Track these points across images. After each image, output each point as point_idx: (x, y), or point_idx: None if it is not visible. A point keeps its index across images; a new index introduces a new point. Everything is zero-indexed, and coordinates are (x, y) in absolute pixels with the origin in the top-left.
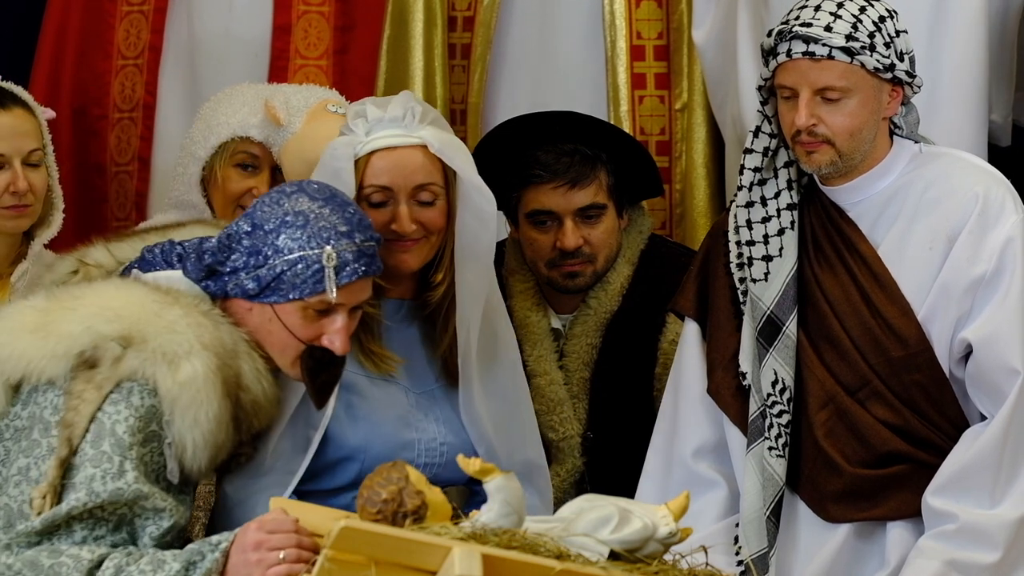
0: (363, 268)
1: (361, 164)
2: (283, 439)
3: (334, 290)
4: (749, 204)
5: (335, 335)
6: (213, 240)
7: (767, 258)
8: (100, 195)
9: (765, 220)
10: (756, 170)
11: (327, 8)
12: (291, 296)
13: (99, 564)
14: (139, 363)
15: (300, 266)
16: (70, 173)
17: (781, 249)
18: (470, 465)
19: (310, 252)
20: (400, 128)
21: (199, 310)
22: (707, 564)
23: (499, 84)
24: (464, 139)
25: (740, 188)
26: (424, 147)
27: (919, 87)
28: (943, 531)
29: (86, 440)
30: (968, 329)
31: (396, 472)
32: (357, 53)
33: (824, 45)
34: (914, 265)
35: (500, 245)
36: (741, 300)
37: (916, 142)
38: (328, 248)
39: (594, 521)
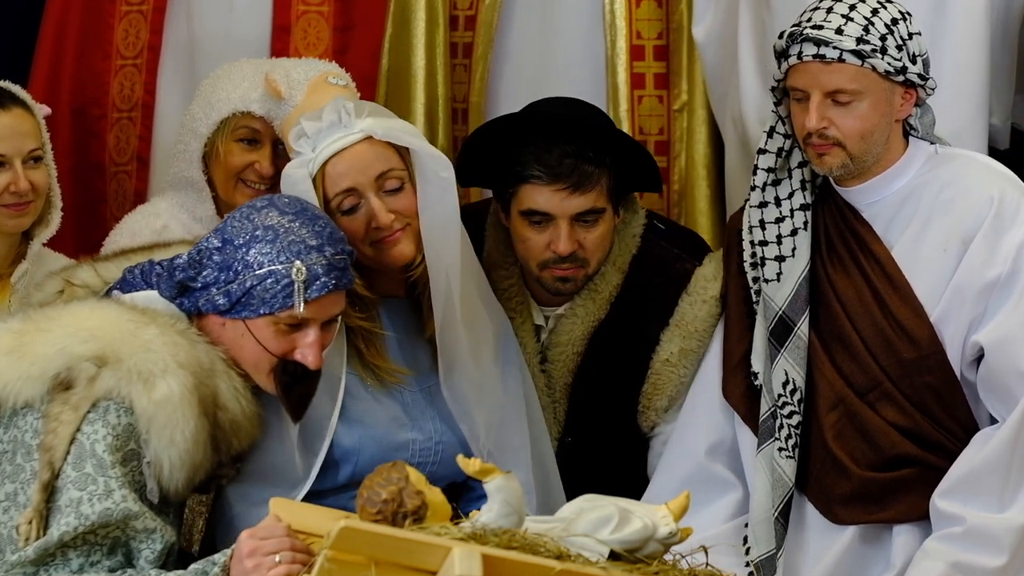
0: (333, 282)
1: (319, 178)
2: (286, 448)
3: (302, 305)
4: (762, 204)
5: (307, 349)
6: (184, 256)
7: (780, 258)
8: (99, 195)
9: (778, 220)
10: (770, 170)
11: (327, 8)
12: (261, 311)
13: None
14: (114, 382)
15: (270, 281)
16: (69, 173)
17: (794, 249)
18: (470, 465)
19: (279, 267)
20: (340, 130)
21: (175, 329)
22: (707, 564)
23: (500, 83)
24: (466, 138)
25: (753, 188)
26: (369, 138)
27: (933, 89)
28: (950, 533)
29: (67, 462)
30: (981, 332)
31: (396, 472)
32: (356, 53)
33: (835, 48)
34: (928, 267)
35: (480, 231)
36: (754, 300)
37: (932, 143)
38: (298, 263)
39: (594, 521)
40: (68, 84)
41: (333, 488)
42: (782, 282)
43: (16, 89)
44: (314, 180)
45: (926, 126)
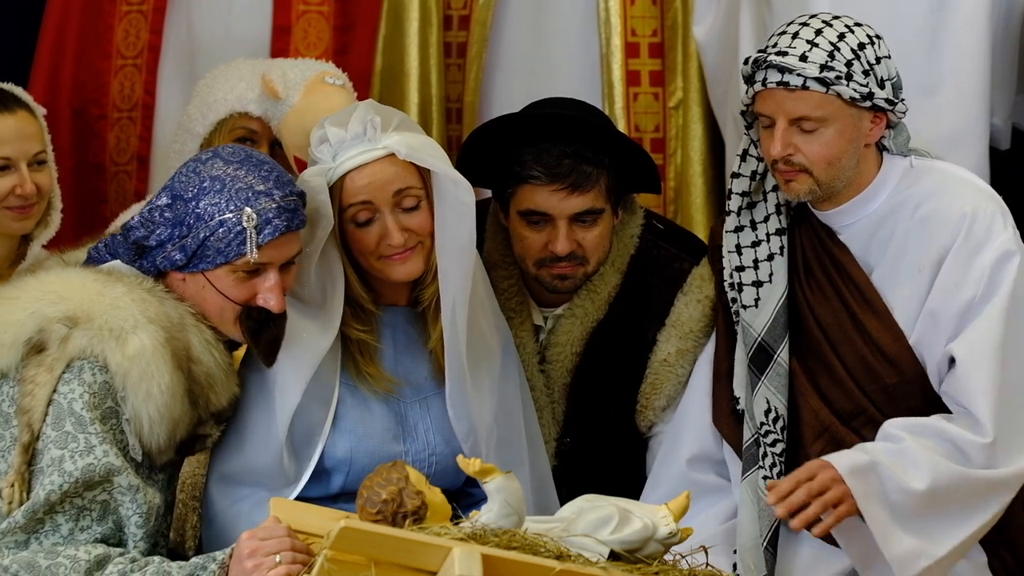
0: (284, 224)
1: (336, 189)
2: (272, 451)
3: (255, 251)
4: (738, 229)
5: (268, 293)
6: (136, 217)
7: (757, 284)
8: (99, 195)
9: (755, 244)
10: (744, 194)
11: (327, 8)
12: (218, 261)
13: (99, 564)
14: (87, 341)
15: (222, 230)
16: (69, 173)
17: (771, 275)
18: (470, 465)
19: (230, 215)
20: (364, 143)
21: (142, 287)
22: (707, 564)
23: (495, 82)
24: (460, 137)
25: (728, 213)
26: (393, 155)
27: (903, 113)
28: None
29: (46, 423)
30: (954, 344)
31: (396, 472)
32: (356, 53)
33: (798, 75)
34: (905, 288)
35: (480, 231)
36: (734, 319)
37: (906, 155)
38: (247, 209)
39: (594, 521)
40: (68, 84)
41: (325, 497)
42: (760, 308)
43: (19, 91)
44: (331, 189)
45: (900, 145)
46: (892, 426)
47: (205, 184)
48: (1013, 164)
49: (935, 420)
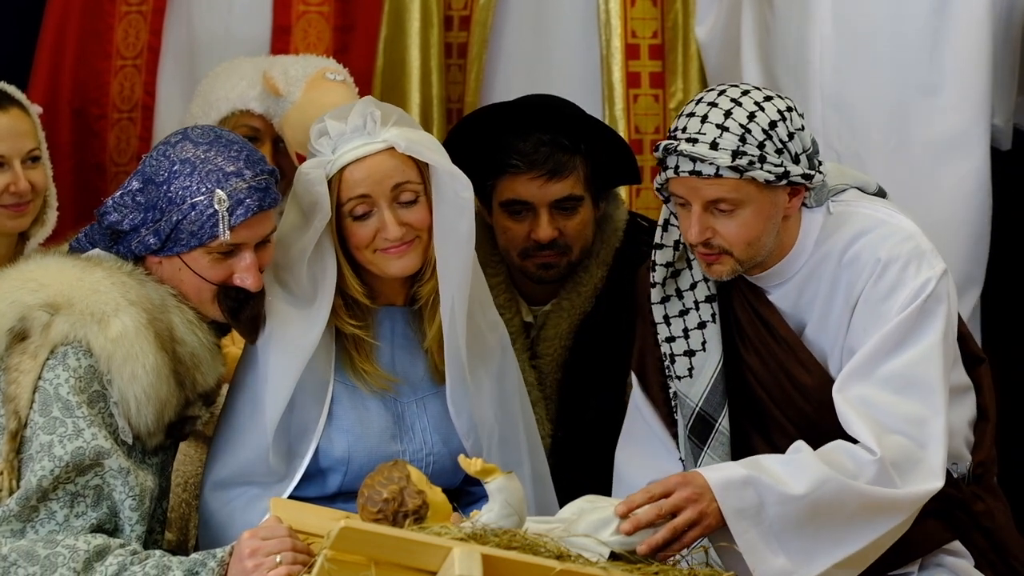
0: (256, 204)
1: (335, 181)
2: (261, 449)
3: (227, 232)
4: (665, 299)
5: (245, 273)
6: (109, 201)
7: (690, 353)
8: (99, 195)
9: (683, 313)
10: (668, 265)
11: (327, 8)
12: (192, 244)
13: (98, 555)
14: (69, 327)
15: (194, 213)
16: (70, 173)
17: (704, 343)
18: (471, 465)
19: (201, 198)
20: (364, 137)
21: (122, 271)
22: (707, 564)
23: (495, 83)
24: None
25: (654, 285)
26: (392, 149)
27: (821, 182)
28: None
29: (33, 410)
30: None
31: (397, 471)
32: (357, 53)
33: (711, 164)
34: (835, 340)
35: None
36: (667, 373)
37: (822, 203)
38: (218, 191)
39: (595, 522)
40: (68, 84)
41: (323, 497)
42: (695, 377)
43: (12, 89)
44: (330, 182)
45: (822, 199)
46: (800, 441)
47: (175, 167)
48: (1014, 165)
49: (840, 441)
